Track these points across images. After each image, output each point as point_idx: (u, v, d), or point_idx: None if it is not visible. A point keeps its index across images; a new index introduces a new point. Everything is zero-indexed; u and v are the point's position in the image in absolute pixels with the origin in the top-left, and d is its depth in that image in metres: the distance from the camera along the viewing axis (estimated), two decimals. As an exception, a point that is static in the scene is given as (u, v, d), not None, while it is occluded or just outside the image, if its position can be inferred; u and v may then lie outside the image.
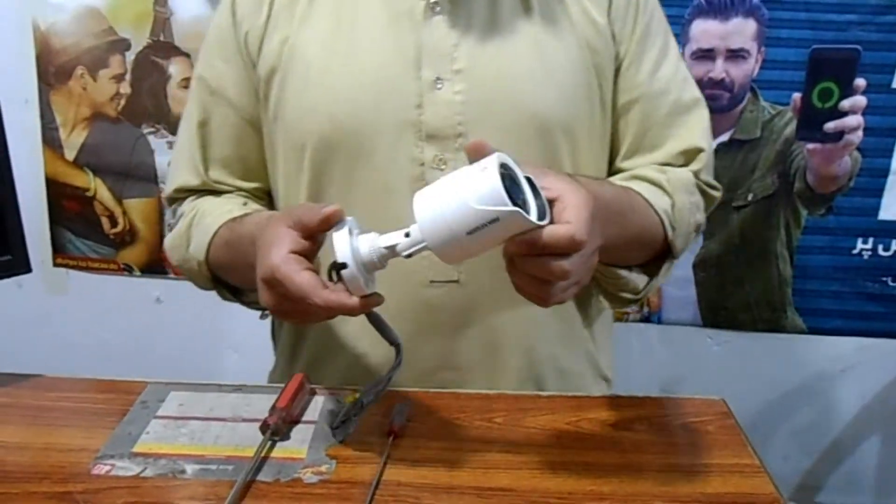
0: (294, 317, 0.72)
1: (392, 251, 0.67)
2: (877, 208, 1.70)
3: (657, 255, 0.90)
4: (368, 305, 0.68)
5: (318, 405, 0.86)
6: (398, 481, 0.74)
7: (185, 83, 1.71)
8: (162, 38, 1.69)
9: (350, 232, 0.68)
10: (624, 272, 0.89)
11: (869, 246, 1.73)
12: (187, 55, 1.69)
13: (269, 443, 0.78)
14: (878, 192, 1.69)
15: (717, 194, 0.95)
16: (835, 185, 1.68)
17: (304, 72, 0.86)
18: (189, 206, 0.96)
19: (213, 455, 0.77)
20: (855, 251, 1.74)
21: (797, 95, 1.63)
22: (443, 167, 0.85)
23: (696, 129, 0.92)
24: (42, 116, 1.77)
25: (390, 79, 0.85)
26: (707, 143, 0.93)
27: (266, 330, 1.86)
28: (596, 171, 0.92)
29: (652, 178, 0.89)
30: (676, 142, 0.92)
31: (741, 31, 1.59)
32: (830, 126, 1.63)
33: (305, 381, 0.87)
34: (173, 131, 1.74)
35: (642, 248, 0.89)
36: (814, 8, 1.58)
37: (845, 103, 1.62)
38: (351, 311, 0.67)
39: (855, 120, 1.63)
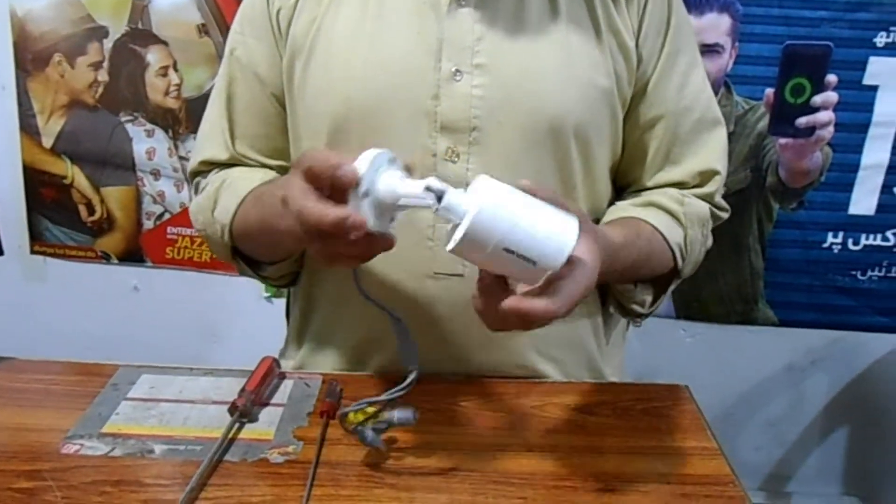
0: (325, 252, 0.68)
1: (415, 201, 0.64)
2: (847, 203, 1.73)
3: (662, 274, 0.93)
4: (377, 245, 0.66)
5: (287, 388, 0.88)
6: (364, 462, 0.75)
7: (163, 71, 1.71)
8: (140, 26, 1.69)
9: (392, 162, 0.65)
10: (631, 286, 0.92)
11: (839, 240, 1.76)
12: (165, 43, 1.69)
13: (238, 424, 0.79)
14: (849, 187, 1.72)
15: (725, 215, 0.97)
16: (806, 179, 1.71)
17: (327, 54, 0.87)
18: (217, 175, 0.95)
19: (181, 436, 0.78)
20: (825, 245, 1.76)
21: (770, 91, 1.65)
22: (455, 160, 0.85)
23: (715, 151, 0.93)
24: (19, 103, 1.77)
25: (410, 67, 0.84)
26: (723, 165, 0.94)
27: (245, 319, 1.87)
28: (604, 176, 0.92)
29: (669, 209, 0.90)
30: (695, 161, 0.92)
31: (715, 26, 1.61)
32: (802, 121, 1.66)
33: (275, 364, 0.88)
34: (151, 119, 1.75)
35: (649, 278, 0.92)
36: (787, 4, 1.60)
37: (817, 99, 1.64)
38: (351, 227, 0.63)
39: (826, 115, 1.65)
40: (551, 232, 0.63)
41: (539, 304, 0.64)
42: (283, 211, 0.68)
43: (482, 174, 0.64)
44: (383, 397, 0.72)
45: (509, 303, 0.65)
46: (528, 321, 0.65)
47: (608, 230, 0.82)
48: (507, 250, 0.61)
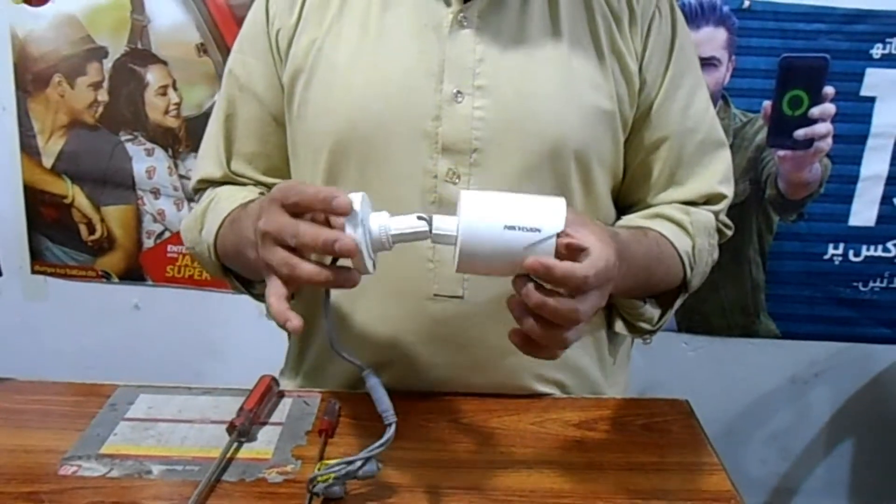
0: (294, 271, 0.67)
1: (408, 231, 0.66)
2: (847, 214, 1.72)
3: (672, 287, 0.92)
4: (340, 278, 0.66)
5: (285, 406, 0.87)
6: (362, 481, 0.74)
7: (163, 90, 1.72)
8: (139, 46, 1.69)
9: (363, 204, 0.67)
10: (639, 302, 0.92)
11: (840, 251, 1.75)
12: (164, 63, 1.70)
13: (236, 444, 0.79)
14: (849, 199, 1.71)
15: (729, 232, 0.98)
16: (806, 191, 1.70)
17: (329, 75, 0.87)
18: (208, 193, 0.96)
19: (179, 456, 0.78)
20: (826, 257, 1.76)
21: (767, 103, 1.64)
22: (456, 181, 0.85)
23: (719, 173, 0.94)
24: (20, 124, 1.77)
25: (411, 88, 0.85)
26: (729, 188, 0.94)
27: (246, 336, 1.87)
28: (606, 199, 0.92)
29: (676, 219, 0.90)
30: (701, 183, 0.93)
31: (712, 39, 1.61)
32: (800, 133, 1.66)
33: (273, 383, 0.88)
34: (151, 139, 1.75)
35: (661, 287, 0.92)
36: (783, 17, 1.60)
37: (815, 111, 1.64)
38: (341, 250, 0.64)
39: (824, 127, 1.65)
40: (540, 202, 0.66)
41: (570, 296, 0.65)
42: (255, 240, 0.70)
43: (464, 190, 0.66)
44: (362, 455, 0.69)
45: (535, 299, 0.64)
46: (557, 314, 0.64)
47: (614, 228, 0.82)
48: (509, 227, 0.64)
